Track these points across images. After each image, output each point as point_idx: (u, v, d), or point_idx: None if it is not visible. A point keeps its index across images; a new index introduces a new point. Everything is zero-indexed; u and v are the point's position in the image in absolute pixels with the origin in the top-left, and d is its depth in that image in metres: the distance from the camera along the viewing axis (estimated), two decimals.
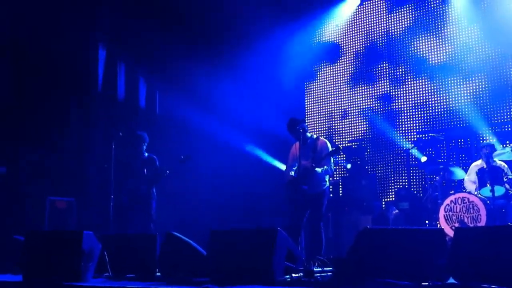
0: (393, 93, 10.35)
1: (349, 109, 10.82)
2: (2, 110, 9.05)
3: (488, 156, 8.00)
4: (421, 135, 9.69)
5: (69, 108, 9.63)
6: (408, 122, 10.10)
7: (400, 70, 10.32)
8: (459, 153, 9.23)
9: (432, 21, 10.08)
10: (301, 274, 5.16)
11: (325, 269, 5.52)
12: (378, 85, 10.53)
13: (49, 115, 9.47)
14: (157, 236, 5.69)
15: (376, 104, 10.49)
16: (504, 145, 8.22)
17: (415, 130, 9.98)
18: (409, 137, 9.96)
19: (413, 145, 9.48)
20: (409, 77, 10.22)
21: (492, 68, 9.37)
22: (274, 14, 10.55)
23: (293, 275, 5.10)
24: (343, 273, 4.85)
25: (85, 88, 9.98)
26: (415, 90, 10.13)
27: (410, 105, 10.14)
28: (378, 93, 10.52)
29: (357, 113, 10.71)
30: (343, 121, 10.87)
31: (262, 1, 10.17)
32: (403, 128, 10.11)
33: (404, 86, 10.25)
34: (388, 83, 10.42)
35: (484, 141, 8.68)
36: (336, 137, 10.77)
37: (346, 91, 10.95)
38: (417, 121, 10.03)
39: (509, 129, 9.08)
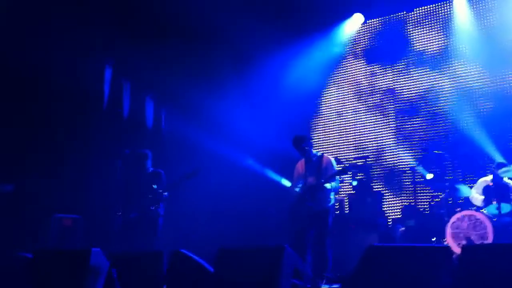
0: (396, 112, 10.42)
1: (355, 126, 10.87)
2: (8, 128, 9.10)
3: (495, 173, 8.00)
4: (426, 152, 9.71)
5: (75, 126, 9.69)
6: (414, 139, 10.12)
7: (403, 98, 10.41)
8: (464, 170, 9.21)
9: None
10: None
11: (332, 286, 5.54)
12: (382, 105, 10.61)
13: (55, 133, 9.53)
14: (163, 254, 5.71)
15: (382, 122, 10.55)
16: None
17: (420, 147, 9.99)
18: (415, 154, 9.97)
19: (418, 162, 9.50)
20: (414, 95, 10.28)
21: (497, 84, 9.40)
22: (277, 33, 10.62)
23: None
24: None
25: (91, 107, 10.06)
26: (421, 108, 10.17)
27: (415, 122, 10.17)
28: (383, 111, 10.58)
29: (363, 130, 10.75)
30: (348, 137, 10.91)
31: (265, 21, 10.25)
32: (409, 145, 10.13)
33: (410, 103, 10.31)
34: (390, 103, 10.50)
35: (494, 159, 8.64)
36: (342, 154, 10.79)
37: (352, 107, 11.02)
38: (422, 138, 10.05)
39: None
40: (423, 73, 10.24)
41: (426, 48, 10.31)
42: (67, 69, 9.59)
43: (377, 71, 10.83)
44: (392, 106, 10.53)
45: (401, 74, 10.52)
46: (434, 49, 10.23)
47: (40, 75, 9.49)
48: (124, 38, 10.04)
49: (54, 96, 9.64)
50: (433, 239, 8.02)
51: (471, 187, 8.38)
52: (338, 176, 7.19)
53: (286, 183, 9.69)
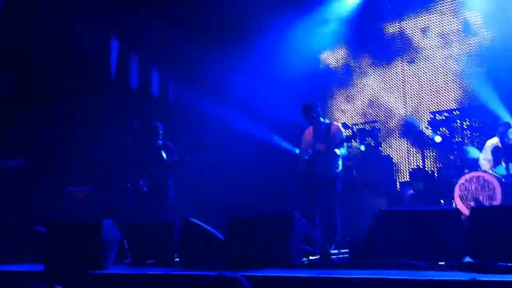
0: (406, 71, 10.30)
1: (364, 90, 10.77)
2: (18, 102, 9.15)
3: (503, 134, 7.95)
4: (435, 115, 9.64)
5: (84, 99, 9.70)
6: (422, 102, 10.04)
7: (413, 48, 10.27)
8: (473, 132, 9.18)
9: None
10: (318, 256, 5.23)
11: (341, 251, 5.60)
12: (391, 64, 10.47)
13: (64, 107, 9.57)
14: (175, 223, 5.79)
15: (389, 84, 10.46)
16: None
17: (429, 110, 9.92)
18: (423, 117, 9.92)
19: (427, 125, 9.48)
20: (421, 54, 10.17)
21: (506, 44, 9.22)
22: None
23: (310, 257, 5.17)
24: (359, 254, 4.91)
25: (99, 79, 10.05)
26: (428, 69, 10.07)
27: (424, 84, 10.08)
28: (391, 72, 10.47)
29: (371, 94, 10.67)
30: (356, 102, 10.83)
31: None
32: (417, 108, 10.07)
33: (416, 65, 10.20)
34: (400, 63, 10.38)
35: (500, 120, 8.55)
36: (350, 119, 10.76)
37: (360, 72, 10.90)
38: (431, 101, 9.98)
39: None
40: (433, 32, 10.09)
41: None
42: (74, 42, 9.59)
43: (386, 29, 10.64)
44: (400, 67, 10.39)
45: (411, 33, 10.35)
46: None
47: (47, 49, 9.48)
48: (128, 8, 9.98)
49: (62, 70, 9.65)
50: (441, 202, 8.04)
51: (479, 148, 8.35)
52: (346, 143, 7.20)
53: (296, 150, 9.71)
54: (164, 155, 7.74)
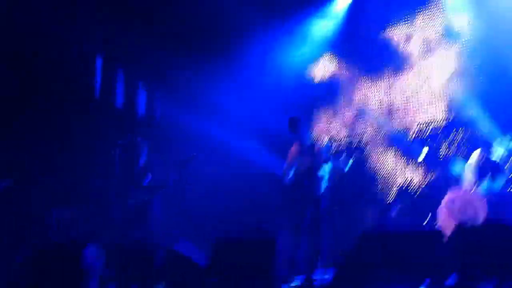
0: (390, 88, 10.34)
1: (350, 103, 10.80)
2: (1, 122, 9.09)
3: (485, 151, 7.99)
4: (421, 128, 9.68)
5: (67, 117, 9.65)
6: (406, 117, 10.07)
7: (398, 58, 10.33)
8: (458, 147, 9.22)
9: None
10: (303, 279, 5.23)
11: (327, 271, 5.59)
12: (378, 76, 10.52)
13: (49, 126, 9.51)
14: (157, 248, 5.77)
15: (374, 101, 10.50)
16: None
17: (415, 123, 9.94)
18: (410, 130, 9.95)
19: (411, 140, 9.51)
20: (406, 65, 10.21)
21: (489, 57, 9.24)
22: (269, 12, 10.53)
23: (295, 281, 5.17)
24: (343, 277, 4.91)
25: (83, 97, 10.01)
26: (411, 85, 10.11)
27: (407, 99, 10.12)
28: (375, 90, 10.51)
29: (357, 107, 10.69)
30: (343, 116, 10.85)
31: (255, 2, 10.19)
32: (403, 121, 10.09)
33: (399, 81, 10.24)
34: (386, 74, 10.41)
35: (484, 134, 8.58)
36: (336, 135, 10.77)
37: (345, 87, 10.93)
38: (414, 116, 10.00)
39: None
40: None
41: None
42: (58, 60, 9.56)
43: (373, 40, 10.62)
44: (386, 78, 10.43)
45: (396, 43, 10.37)
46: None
47: (31, 67, 9.45)
48: (114, 26, 9.99)
49: (46, 89, 9.61)
50: (425, 221, 8.05)
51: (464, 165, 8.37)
52: (332, 159, 7.21)
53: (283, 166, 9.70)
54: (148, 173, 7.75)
